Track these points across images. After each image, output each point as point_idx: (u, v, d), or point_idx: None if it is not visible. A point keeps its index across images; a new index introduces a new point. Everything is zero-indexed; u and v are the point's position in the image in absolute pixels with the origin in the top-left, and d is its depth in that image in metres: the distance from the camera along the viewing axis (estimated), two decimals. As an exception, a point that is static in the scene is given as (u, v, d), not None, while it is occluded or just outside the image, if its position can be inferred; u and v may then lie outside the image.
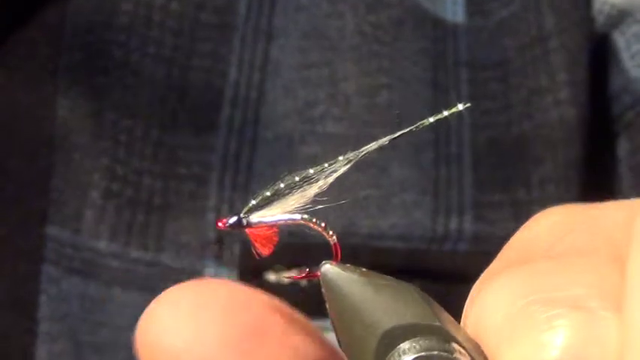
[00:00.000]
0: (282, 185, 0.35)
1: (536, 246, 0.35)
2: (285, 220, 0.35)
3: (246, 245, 0.65)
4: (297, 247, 0.65)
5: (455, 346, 0.33)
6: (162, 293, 0.33)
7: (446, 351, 0.32)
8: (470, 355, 0.33)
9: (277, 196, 0.35)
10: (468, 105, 0.38)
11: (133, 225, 0.67)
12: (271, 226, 0.35)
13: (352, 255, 0.66)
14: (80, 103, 0.67)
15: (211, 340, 0.31)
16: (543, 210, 0.37)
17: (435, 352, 0.32)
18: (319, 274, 0.34)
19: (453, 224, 0.67)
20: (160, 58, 0.68)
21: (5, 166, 0.67)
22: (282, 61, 0.68)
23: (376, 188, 0.67)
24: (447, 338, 0.33)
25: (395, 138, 0.37)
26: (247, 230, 0.36)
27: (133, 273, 0.66)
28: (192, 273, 0.67)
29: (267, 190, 0.36)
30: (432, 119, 0.38)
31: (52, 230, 0.66)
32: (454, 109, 0.37)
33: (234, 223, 0.36)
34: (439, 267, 0.68)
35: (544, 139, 0.70)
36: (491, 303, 0.32)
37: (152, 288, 0.66)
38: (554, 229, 0.36)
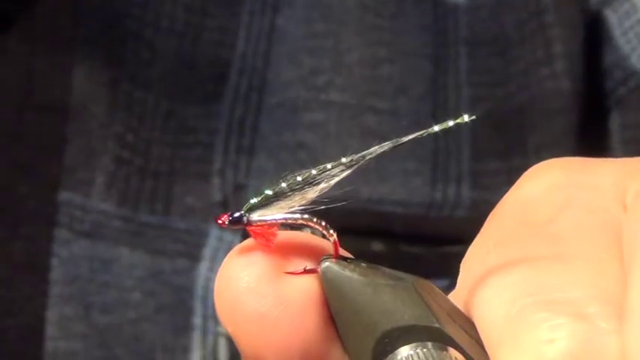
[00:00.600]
0: (283, 185, 0.35)
1: (532, 216, 0.35)
2: (286, 219, 0.35)
3: (251, 207, 0.68)
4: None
5: (452, 353, 0.33)
6: (237, 249, 0.36)
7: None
8: (468, 358, 0.33)
9: (278, 195, 0.35)
10: (474, 117, 0.38)
11: (142, 190, 0.68)
12: (272, 224, 0.35)
13: (352, 218, 0.67)
14: (96, 72, 0.69)
15: (293, 302, 0.34)
16: (536, 165, 0.37)
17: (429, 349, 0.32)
18: (319, 270, 0.34)
19: (451, 191, 0.69)
20: (172, 32, 0.69)
21: (20, 132, 0.68)
22: (288, 30, 0.70)
23: (377, 158, 0.68)
24: (446, 342, 0.33)
25: (399, 145, 0.37)
26: (248, 228, 0.35)
27: (141, 235, 0.68)
28: (198, 235, 0.68)
29: (269, 188, 0.35)
30: (437, 128, 0.38)
31: (64, 195, 0.68)
32: (459, 120, 0.37)
33: (235, 220, 0.36)
34: (437, 231, 0.69)
35: (540, 109, 0.71)
36: (492, 300, 0.32)
37: (159, 249, 0.68)
38: (551, 194, 0.36)
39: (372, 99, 0.69)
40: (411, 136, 0.37)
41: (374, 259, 0.36)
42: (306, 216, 0.35)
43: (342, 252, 0.35)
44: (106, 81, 0.69)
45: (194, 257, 0.68)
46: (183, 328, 0.68)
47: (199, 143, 0.69)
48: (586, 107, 0.72)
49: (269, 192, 0.36)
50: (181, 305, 0.68)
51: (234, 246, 0.65)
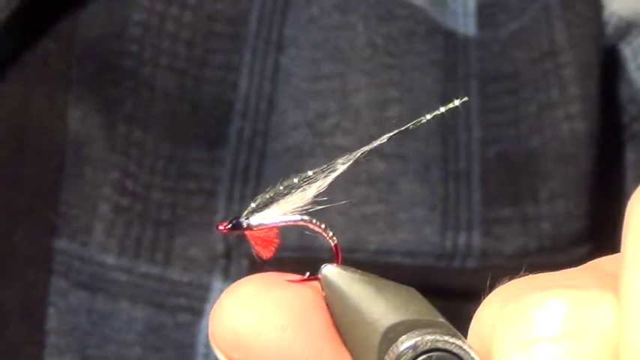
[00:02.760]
0: (281, 187, 0.35)
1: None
2: (286, 222, 0.35)
3: (255, 261, 0.67)
4: (304, 259, 0.65)
5: (455, 337, 0.33)
6: (231, 286, 0.36)
7: (446, 340, 0.33)
8: (470, 345, 0.33)
9: (277, 198, 0.35)
10: (465, 99, 0.38)
11: (142, 239, 0.67)
12: (272, 228, 0.35)
13: (359, 269, 0.66)
14: (92, 115, 0.67)
15: (272, 326, 0.34)
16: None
17: (435, 336, 0.32)
18: (320, 276, 0.35)
19: (462, 240, 0.67)
20: (172, 69, 0.68)
21: (16, 177, 0.67)
22: (293, 72, 0.68)
23: (385, 204, 0.67)
24: (451, 332, 0.33)
25: (392, 136, 0.37)
26: (247, 233, 0.36)
27: (141, 287, 0.67)
28: (200, 287, 0.67)
29: (267, 192, 0.36)
30: (428, 116, 0.38)
31: (60, 243, 0.66)
32: (450, 105, 0.37)
33: (235, 225, 0.36)
34: (447, 283, 0.67)
35: (554, 154, 0.69)
36: (486, 311, 0.33)
37: (160, 303, 0.67)
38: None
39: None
40: (403, 128, 0.37)
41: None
42: (305, 217, 0.35)
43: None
44: (102, 123, 0.67)
45: (196, 312, 0.67)
46: None
47: (202, 191, 0.68)
48: (600, 148, 0.70)
49: (267, 195, 0.36)
50: None
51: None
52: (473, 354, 0.32)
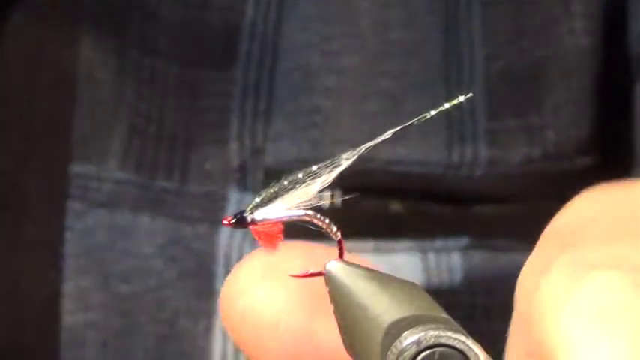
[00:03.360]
0: (285, 182, 0.36)
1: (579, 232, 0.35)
2: (290, 217, 0.35)
3: (270, 172, 0.69)
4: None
5: (458, 333, 0.33)
6: (242, 259, 0.37)
7: (449, 335, 0.33)
8: (473, 340, 0.33)
9: (281, 192, 0.36)
10: (470, 95, 0.38)
11: (158, 158, 0.69)
12: (276, 222, 0.36)
13: (370, 178, 0.68)
14: (103, 42, 0.68)
15: (281, 301, 0.36)
16: (581, 194, 0.36)
17: (439, 332, 0.32)
18: (324, 271, 0.35)
19: (468, 151, 0.69)
20: (177, 0, 0.69)
21: (30, 105, 0.69)
22: None
23: (391, 118, 0.69)
24: (452, 326, 0.33)
25: (397, 131, 0.37)
26: (252, 228, 0.36)
27: (160, 202, 0.68)
28: (217, 200, 0.69)
29: (272, 187, 0.36)
30: (433, 112, 0.38)
31: (77, 168, 0.68)
32: (455, 101, 0.38)
33: (239, 220, 0.36)
34: (456, 190, 0.69)
35: (557, 66, 0.70)
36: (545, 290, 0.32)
37: (178, 215, 0.68)
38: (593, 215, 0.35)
39: (385, 63, 0.69)
40: (407, 123, 0.37)
41: (393, 219, 0.37)
42: (310, 213, 0.35)
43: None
44: (113, 50, 0.68)
45: (214, 222, 0.69)
46: (206, 293, 0.68)
47: (215, 108, 0.69)
48: (608, 71, 0.71)
49: (271, 190, 0.36)
50: (203, 270, 0.69)
51: None
52: (476, 349, 0.32)
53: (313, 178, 0.35)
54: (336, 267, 0.35)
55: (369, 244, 0.68)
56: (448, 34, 0.70)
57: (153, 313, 0.68)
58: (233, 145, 0.69)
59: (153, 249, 0.68)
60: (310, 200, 0.35)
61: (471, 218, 0.70)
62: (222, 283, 0.67)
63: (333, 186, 0.66)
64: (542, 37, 0.70)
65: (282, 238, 0.36)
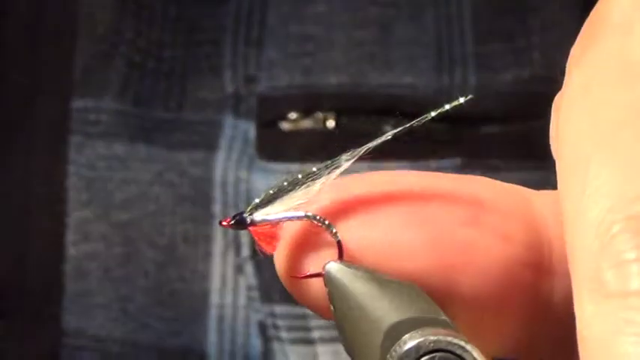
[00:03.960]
0: (285, 183, 0.35)
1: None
2: (289, 218, 0.35)
3: (263, 98, 0.70)
4: (310, 94, 0.69)
5: (459, 335, 0.33)
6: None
7: (449, 341, 0.32)
8: (472, 345, 0.33)
9: (281, 194, 0.35)
10: (470, 97, 0.38)
11: (155, 90, 0.70)
12: (275, 223, 0.35)
13: (363, 101, 0.69)
14: None
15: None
16: None
17: (438, 337, 0.32)
18: (323, 273, 0.34)
19: (458, 75, 0.70)
20: None
21: (33, 46, 0.70)
22: None
23: (381, 45, 0.70)
24: (452, 330, 0.33)
25: (397, 132, 0.37)
26: (251, 229, 0.36)
27: (157, 130, 0.70)
28: (213, 125, 0.70)
29: (271, 188, 0.36)
30: (433, 113, 0.38)
31: (78, 103, 0.70)
32: (456, 103, 0.37)
33: (238, 221, 0.36)
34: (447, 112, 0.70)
35: None
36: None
37: (175, 142, 0.70)
38: None
39: None
40: (408, 125, 0.37)
41: (387, 141, 0.36)
42: (309, 214, 0.35)
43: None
44: None
45: (210, 147, 0.70)
46: (204, 218, 0.70)
47: (209, 41, 0.71)
48: None
49: (271, 190, 0.36)
50: (201, 195, 0.70)
51: (249, 134, 0.70)
52: (475, 354, 0.32)
53: (312, 179, 0.35)
54: (335, 268, 0.35)
55: (364, 164, 0.68)
56: None
57: (152, 239, 0.70)
58: (227, 74, 0.70)
59: (150, 176, 0.70)
60: (310, 198, 0.35)
61: (464, 139, 0.71)
62: (220, 207, 0.69)
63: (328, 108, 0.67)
64: None
65: (280, 237, 0.35)
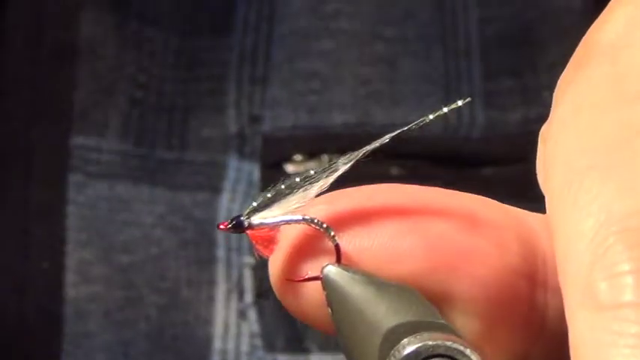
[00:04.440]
0: (283, 187, 0.35)
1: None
2: (287, 221, 0.35)
3: (268, 139, 0.70)
4: (316, 135, 0.68)
5: (457, 339, 0.33)
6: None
7: (448, 346, 0.32)
8: (472, 349, 0.33)
9: (279, 197, 0.35)
10: (468, 99, 0.38)
11: (158, 128, 0.69)
12: (273, 227, 0.35)
13: (368, 143, 0.68)
14: (104, 14, 0.69)
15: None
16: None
17: (437, 342, 0.32)
18: (321, 276, 0.34)
19: (465, 112, 0.69)
20: None
21: (32, 78, 0.69)
22: None
23: (388, 82, 0.69)
24: (451, 335, 0.33)
25: (394, 135, 0.37)
26: (249, 232, 0.35)
27: (159, 171, 0.69)
28: (216, 167, 0.69)
29: (269, 191, 0.35)
30: (431, 116, 0.38)
31: (77, 140, 0.69)
32: (454, 106, 0.37)
33: (236, 224, 0.36)
34: (454, 153, 0.70)
35: (550, 26, 0.70)
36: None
37: (178, 184, 0.69)
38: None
39: (380, 26, 0.69)
40: (406, 128, 0.36)
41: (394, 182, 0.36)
42: (307, 217, 0.35)
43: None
44: (113, 22, 0.69)
45: (214, 189, 0.69)
46: (207, 262, 0.69)
47: (212, 76, 0.70)
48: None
49: (269, 194, 0.36)
50: (204, 238, 0.69)
51: (254, 176, 0.69)
52: (474, 358, 0.32)
53: (311, 183, 0.35)
54: (333, 272, 0.34)
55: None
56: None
57: (154, 283, 0.68)
58: (231, 112, 0.69)
59: (153, 219, 0.69)
60: (308, 202, 0.35)
61: (471, 181, 0.70)
62: (224, 251, 0.68)
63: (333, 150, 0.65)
64: None
65: (278, 241, 0.35)
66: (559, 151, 0.30)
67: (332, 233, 0.34)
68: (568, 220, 0.29)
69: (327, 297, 0.34)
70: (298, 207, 0.35)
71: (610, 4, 0.33)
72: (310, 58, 0.69)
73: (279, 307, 0.69)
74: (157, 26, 0.69)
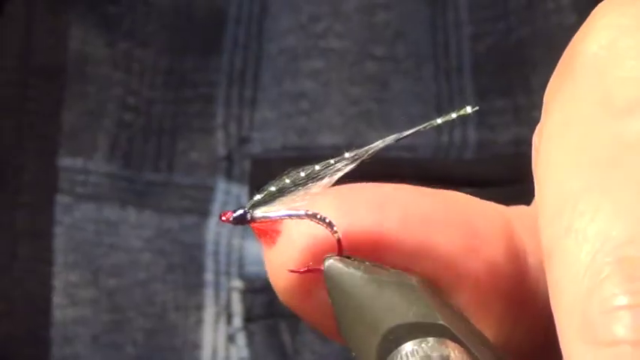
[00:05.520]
0: (287, 181, 0.35)
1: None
2: (290, 215, 0.35)
3: (257, 161, 0.69)
4: (305, 157, 0.67)
5: (457, 349, 0.33)
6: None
7: (448, 355, 0.32)
8: (474, 355, 0.33)
9: (282, 191, 0.35)
10: (476, 108, 0.38)
11: (145, 150, 0.69)
12: (275, 220, 0.35)
13: (362, 167, 0.67)
14: (93, 34, 0.68)
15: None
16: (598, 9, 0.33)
17: (435, 345, 0.32)
18: (322, 268, 0.34)
19: (457, 134, 0.68)
20: None
21: (20, 98, 0.68)
22: None
23: (379, 102, 0.69)
24: (452, 337, 0.33)
25: (401, 138, 0.37)
26: (252, 225, 0.35)
27: (147, 194, 0.68)
28: (204, 190, 0.69)
29: (272, 185, 0.35)
30: (439, 120, 0.38)
31: (65, 161, 0.68)
32: (462, 112, 0.37)
33: (239, 217, 0.35)
34: (446, 174, 0.69)
35: (543, 44, 0.70)
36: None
37: (166, 207, 0.68)
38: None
39: (370, 45, 0.69)
40: (413, 130, 0.37)
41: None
42: (310, 212, 0.35)
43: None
44: (103, 42, 0.69)
45: (202, 213, 0.69)
46: (196, 286, 0.68)
47: (200, 97, 0.69)
48: None
49: (272, 188, 0.36)
50: (192, 263, 0.68)
51: (242, 199, 0.69)
52: None
53: (314, 178, 0.35)
54: (334, 265, 0.34)
55: None
56: (434, 13, 0.70)
57: (142, 307, 0.68)
58: (219, 134, 0.69)
59: (141, 243, 0.68)
60: (311, 197, 0.35)
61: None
62: (212, 275, 0.67)
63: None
64: (527, 15, 0.70)
65: (281, 234, 0.35)
66: (551, 170, 0.30)
67: (334, 227, 0.34)
68: (562, 246, 0.28)
69: (328, 290, 0.34)
70: (302, 202, 0.35)
71: (592, 12, 0.33)
72: (299, 79, 0.69)
73: (268, 332, 0.69)
74: (146, 46, 0.69)
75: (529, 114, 0.69)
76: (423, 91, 0.69)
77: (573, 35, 0.71)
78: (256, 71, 0.69)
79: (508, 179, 0.69)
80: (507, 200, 0.68)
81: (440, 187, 0.69)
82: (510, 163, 0.69)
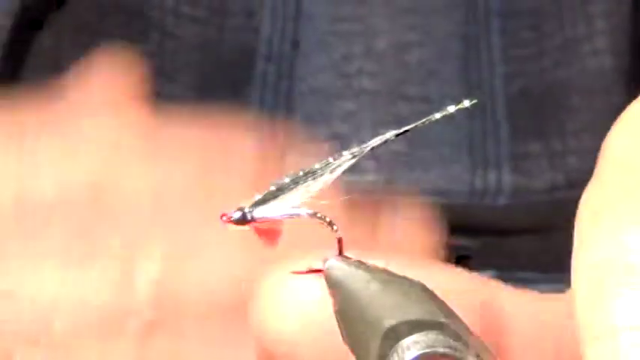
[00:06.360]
0: (287, 180, 0.35)
1: None
2: (290, 215, 0.35)
3: None
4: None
5: (460, 343, 0.33)
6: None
7: (451, 346, 0.32)
8: (476, 352, 0.33)
9: (283, 190, 0.35)
10: (475, 101, 0.38)
11: None
12: (276, 220, 0.35)
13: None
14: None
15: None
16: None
17: (440, 349, 0.32)
18: (323, 269, 0.34)
19: (492, 177, 0.67)
20: (194, 19, 0.68)
21: None
22: (315, 12, 0.68)
23: (411, 144, 0.68)
24: (453, 334, 0.33)
25: (400, 133, 0.37)
26: (252, 225, 0.35)
27: None
28: None
29: (272, 184, 0.35)
30: (438, 115, 0.37)
31: None
32: (460, 105, 0.37)
33: (239, 217, 0.35)
34: (480, 221, 0.68)
35: (579, 88, 0.68)
36: None
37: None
38: None
39: (403, 86, 0.68)
40: (412, 125, 0.36)
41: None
42: (310, 212, 0.35)
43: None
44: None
45: None
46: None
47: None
48: (632, 86, 0.69)
49: (272, 187, 0.36)
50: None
51: None
52: None
53: (315, 178, 0.35)
54: (335, 265, 0.34)
55: None
56: (467, 52, 0.68)
57: None
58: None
59: None
60: (311, 196, 0.35)
61: (496, 251, 0.68)
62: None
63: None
64: (563, 56, 0.68)
65: (282, 234, 0.35)
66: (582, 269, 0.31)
67: (335, 227, 0.34)
68: None
69: (330, 291, 0.34)
70: (302, 202, 0.35)
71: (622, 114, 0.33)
72: (332, 121, 0.68)
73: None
74: (174, 82, 0.69)
75: (563, 160, 0.68)
76: (455, 132, 0.68)
77: (610, 78, 0.70)
78: (287, 111, 0.68)
79: (542, 228, 0.68)
80: (541, 250, 0.67)
81: (475, 236, 0.68)
82: (545, 211, 0.68)
